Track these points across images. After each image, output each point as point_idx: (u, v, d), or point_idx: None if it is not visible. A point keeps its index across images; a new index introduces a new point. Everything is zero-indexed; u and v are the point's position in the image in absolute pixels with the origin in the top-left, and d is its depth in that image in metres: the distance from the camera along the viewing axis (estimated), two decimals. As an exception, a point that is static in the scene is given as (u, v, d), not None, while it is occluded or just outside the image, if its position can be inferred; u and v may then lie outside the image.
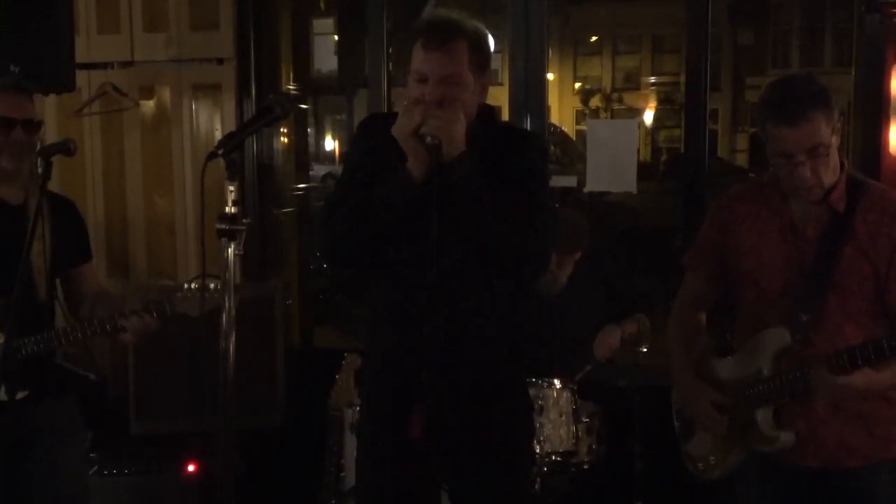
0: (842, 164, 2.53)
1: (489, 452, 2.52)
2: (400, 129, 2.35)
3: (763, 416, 2.57)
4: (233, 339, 2.28)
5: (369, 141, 2.54)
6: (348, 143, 2.67)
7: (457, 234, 2.38)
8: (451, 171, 2.32)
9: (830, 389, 2.41)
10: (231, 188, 2.22)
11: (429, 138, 2.31)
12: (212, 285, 2.59)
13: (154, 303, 2.86)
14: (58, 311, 3.11)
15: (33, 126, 2.92)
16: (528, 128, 4.53)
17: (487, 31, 2.49)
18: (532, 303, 3.88)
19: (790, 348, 2.53)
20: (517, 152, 2.48)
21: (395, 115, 2.43)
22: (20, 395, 2.88)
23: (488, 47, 2.48)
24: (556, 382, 3.61)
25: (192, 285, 2.88)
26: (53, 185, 2.98)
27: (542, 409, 3.54)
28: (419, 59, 2.38)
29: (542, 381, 3.59)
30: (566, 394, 3.60)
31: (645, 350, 3.89)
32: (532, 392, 3.54)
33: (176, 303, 2.85)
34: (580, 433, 3.60)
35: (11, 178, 2.93)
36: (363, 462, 2.65)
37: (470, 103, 2.43)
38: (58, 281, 3.08)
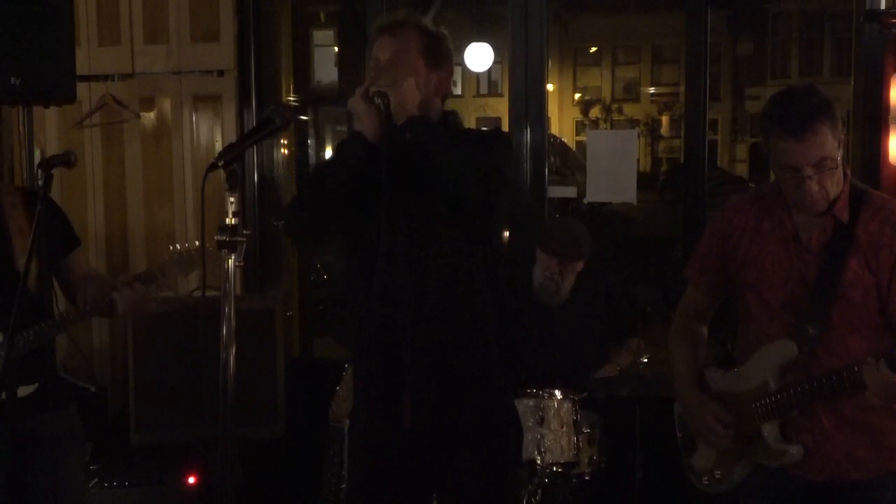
0: (845, 175, 2.52)
1: (475, 451, 2.55)
2: (352, 99, 2.44)
3: (770, 430, 2.56)
4: (233, 350, 2.28)
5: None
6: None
7: (415, 194, 2.44)
8: (402, 131, 2.38)
9: (889, 389, 2.32)
10: (231, 199, 2.22)
11: (377, 99, 2.39)
12: (196, 243, 2.61)
13: (145, 272, 2.92)
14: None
15: None
16: (529, 139, 4.55)
17: (447, 35, 2.60)
18: (535, 312, 3.90)
19: (797, 361, 2.51)
20: (475, 142, 2.54)
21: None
22: (23, 393, 2.88)
23: (445, 45, 2.58)
24: (557, 393, 3.60)
25: (177, 246, 2.93)
26: (54, 196, 2.99)
27: (543, 419, 3.54)
28: (374, 47, 2.53)
29: (543, 392, 3.59)
30: (567, 404, 3.60)
31: (646, 360, 3.89)
32: (533, 403, 3.55)
33: (165, 266, 2.90)
34: (581, 444, 3.59)
35: None
36: (356, 459, 2.68)
37: (423, 91, 2.49)
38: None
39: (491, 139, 2.63)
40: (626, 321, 4.09)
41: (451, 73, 2.61)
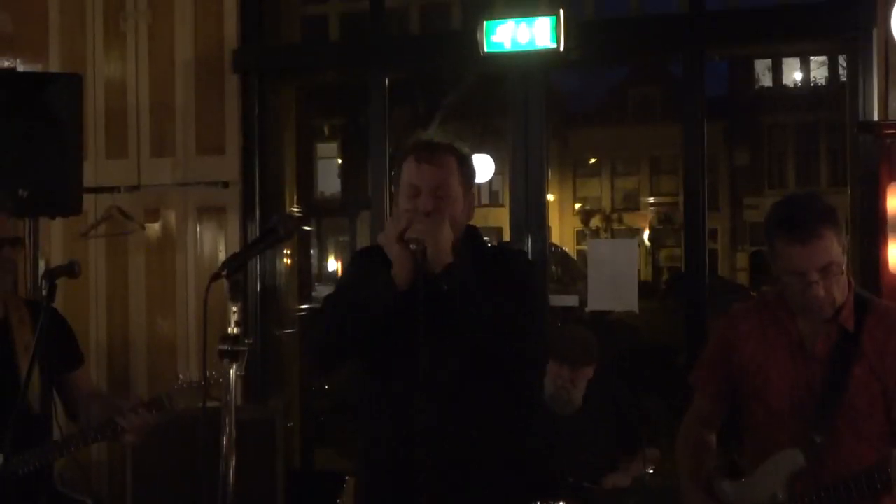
0: (849, 283, 2.53)
1: None
2: (385, 236, 2.38)
3: None
4: (233, 461, 2.24)
5: (361, 268, 2.57)
6: (348, 264, 2.71)
7: (447, 347, 2.37)
8: (438, 282, 2.33)
9: None
10: (234, 309, 2.22)
11: (413, 244, 2.33)
12: (212, 373, 2.58)
13: (152, 398, 2.87)
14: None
15: (18, 243, 2.98)
16: (530, 248, 4.58)
17: (471, 155, 2.57)
18: (546, 421, 3.85)
19: (804, 471, 2.48)
20: (504, 269, 2.49)
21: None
22: None
23: (473, 168, 2.56)
24: (562, 504, 3.53)
25: (189, 377, 2.88)
26: (57, 306, 2.99)
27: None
28: (411, 171, 2.45)
29: (550, 502, 3.51)
30: (572, 516, 3.51)
31: (651, 471, 3.82)
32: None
33: (174, 395, 2.84)
34: (587, 557, 3.50)
35: None
36: None
37: (459, 218, 2.47)
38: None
39: (523, 269, 2.58)
40: (636, 430, 4.02)
41: (475, 192, 2.58)
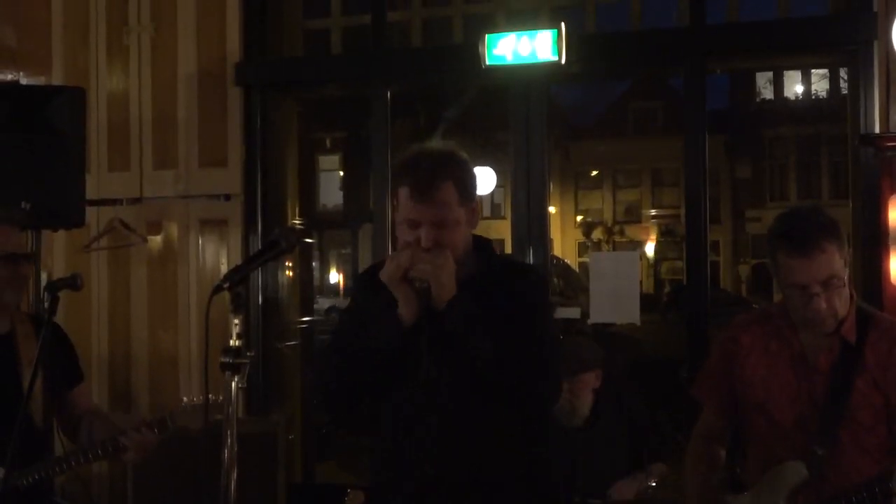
0: (851, 296, 2.53)
1: None
2: (388, 274, 2.35)
3: None
4: (234, 474, 2.24)
5: (364, 298, 2.53)
6: (350, 289, 2.69)
7: (453, 381, 2.35)
8: (442, 318, 2.31)
9: None
10: (235, 321, 2.22)
11: (417, 282, 2.32)
12: (211, 397, 2.57)
13: (154, 417, 2.86)
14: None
15: (31, 259, 2.99)
16: (531, 260, 4.58)
17: (468, 158, 2.48)
18: (554, 436, 3.82)
19: (807, 484, 2.47)
20: (516, 288, 2.45)
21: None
22: None
23: (472, 174, 2.47)
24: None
25: (193, 399, 2.87)
26: (58, 319, 3.00)
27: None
28: (408, 208, 2.38)
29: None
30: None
31: (654, 484, 3.80)
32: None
33: (177, 416, 2.84)
34: (592, 571, 3.49)
35: (5, 310, 2.97)
36: None
37: (464, 239, 2.44)
38: None
39: (534, 291, 2.50)
40: (648, 446, 3.98)
41: (478, 199, 2.52)
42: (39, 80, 5.12)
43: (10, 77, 5.15)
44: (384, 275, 2.37)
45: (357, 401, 2.47)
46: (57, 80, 5.11)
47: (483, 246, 2.55)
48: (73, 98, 4.15)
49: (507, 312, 2.36)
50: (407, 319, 2.34)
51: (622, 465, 3.92)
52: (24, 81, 5.11)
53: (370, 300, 2.47)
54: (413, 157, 2.42)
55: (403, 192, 2.39)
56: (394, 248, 4.77)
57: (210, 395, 2.56)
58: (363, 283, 2.60)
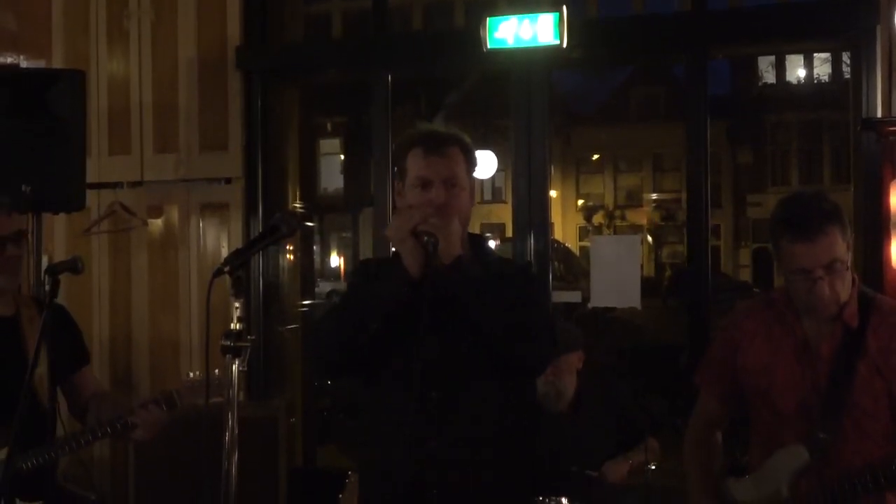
0: (853, 280, 2.53)
1: None
2: (396, 230, 2.36)
3: None
4: (235, 458, 2.25)
5: (367, 274, 2.55)
6: (350, 274, 2.69)
7: (456, 341, 2.37)
8: (446, 279, 2.32)
9: None
10: (236, 305, 2.22)
11: (426, 237, 2.32)
12: (216, 371, 2.57)
13: (162, 394, 2.87)
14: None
15: (21, 238, 2.97)
16: (532, 244, 4.58)
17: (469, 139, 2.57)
18: (541, 420, 3.84)
19: (809, 467, 2.48)
20: (508, 285, 2.45)
21: (389, 259, 2.46)
22: None
23: (475, 157, 2.55)
24: (564, 501, 3.53)
25: (197, 374, 2.89)
26: (59, 302, 3.00)
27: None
28: (420, 164, 2.43)
29: (550, 500, 3.52)
30: (574, 513, 3.52)
31: (653, 468, 3.82)
32: (540, 511, 3.46)
33: (184, 392, 2.86)
34: (589, 555, 3.50)
35: (5, 293, 2.96)
36: None
37: (466, 208, 2.47)
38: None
39: (527, 279, 2.57)
40: (637, 427, 4.01)
41: (475, 182, 2.57)
42: (39, 64, 5.11)
43: (10, 60, 5.14)
44: (391, 230, 2.38)
45: (357, 358, 2.44)
46: (57, 63, 5.10)
47: (479, 242, 2.59)
48: (74, 82, 4.13)
49: (504, 295, 2.37)
50: (412, 272, 2.34)
51: (608, 448, 3.94)
52: (24, 65, 5.11)
53: (373, 274, 2.48)
54: (420, 128, 2.51)
55: (414, 154, 2.44)
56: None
57: (216, 371, 2.56)
58: (364, 271, 2.62)
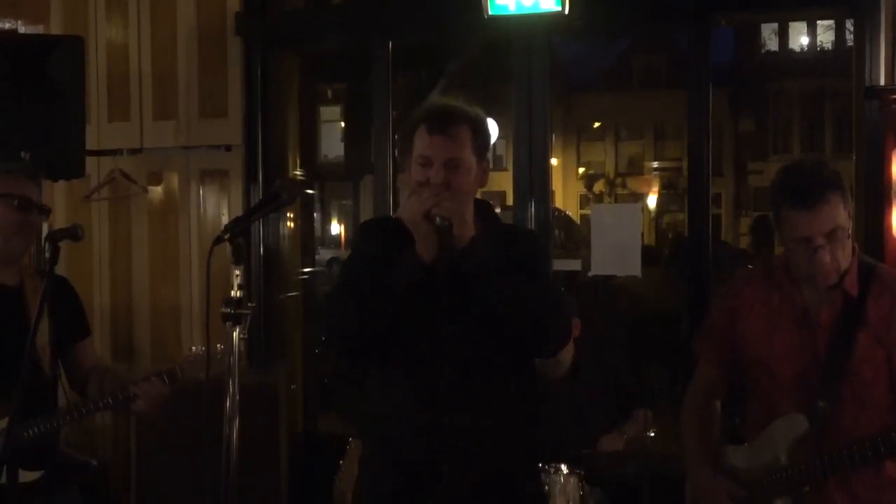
0: (854, 249, 2.53)
1: None
2: (409, 212, 2.35)
3: None
4: (236, 425, 2.26)
5: (376, 243, 2.51)
6: (353, 240, 2.64)
7: (470, 323, 2.36)
8: (461, 260, 2.31)
9: None
10: (236, 272, 2.22)
11: (438, 219, 2.31)
12: (218, 346, 2.57)
13: (164, 369, 2.88)
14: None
15: (45, 212, 2.98)
16: (533, 212, 4.57)
17: (486, 118, 2.51)
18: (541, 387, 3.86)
19: (808, 436, 2.49)
20: (516, 252, 2.45)
21: (392, 219, 2.43)
22: (27, 479, 2.85)
23: (488, 132, 2.51)
24: (563, 468, 3.55)
25: (199, 348, 2.90)
26: (59, 271, 3.00)
27: (548, 495, 3.48)
28: (423, 143, 2.41)
29: (549, 467, 3.54)
30: (573, 480, 3.54)
31: (652, 434, 3.84)
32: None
33: (186, 366, 2.87)
34: (587, 521, 3.53)
35: (13, 260, 2.96)
36: None
37: (472, 188, 2.45)
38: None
39: (535, 254, 2.55)
40: (632, 396, 4.04)
41: (489, 157, 2.54)
42: (38, 30, 5.07)
43: (7, 26, 5.10)
44: (404, 212, 2.37)
45: (372, 343, 2.42)
46: (56, 29, 5.07)
47: (485, 210, 2.56)
48: (72, 47, 4.11)
49: (512, 267, 2.37)
50: (426, 257, 2.33)
51: (604, 416, 3.96)
52: (22, 31, 5.07)
53: (379, 247, 2.45)
54: (431, 103, 2.49)
55: (420, 132, 2.42)
56: (395, 201, 4.77)
57: (218, 345, 2.56)
58: (370, 231, 2.59)
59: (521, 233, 2.66)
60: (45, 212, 3.01)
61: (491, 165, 2.59)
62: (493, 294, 2.32)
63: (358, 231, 2.65)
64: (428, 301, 2.31)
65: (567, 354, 3.89)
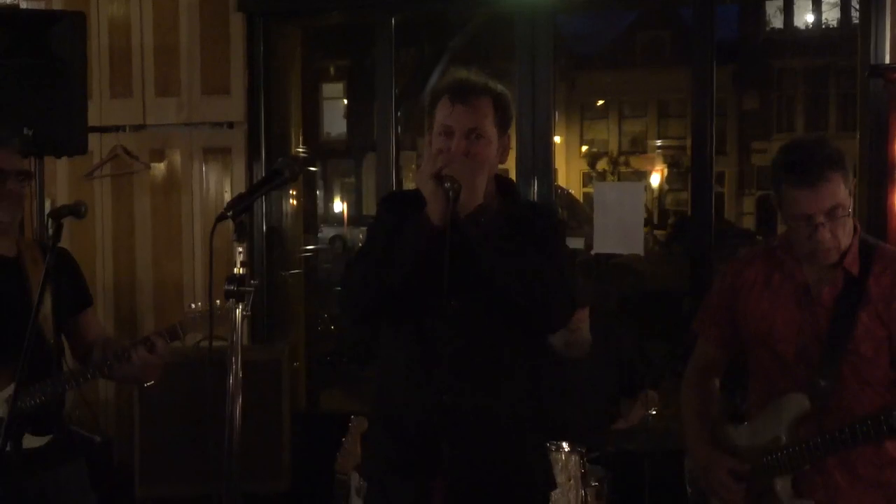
0: (855, 228, 2.52)
1: None
2: (421, 173, 2.35)
3: (782, 485, 2.52)
4: (239, 402, 2.27)
5: (392, 214, 2.51)
6: (374, 217, 2.64)
7: (476, 300, 2.36)
8: (468, 224, 2.31)
9: None
10: (239, 249, 2.22)
11: (448, 182, 2.31)
12: (217, 302, 2.57)
13: (167, 327, 2.91)
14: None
15: (25, 177, 2.96)
16: (536, 190, 4.57)
17: (509, 94, 2.51)
18: (552, 364, 3.86)
19: (809, 415, 2.49)
20: (536, 229, 2.44)
21: (415, 192, 2.42)
22: (34, 445, 2.86)
23: (511, 109, 2.50)
24: (565, 446, 3.57)
25: (199, 305, 2.91)
26: (62, 246, 3.00)
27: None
28: (445, 112, 2.41)
29: (551, 445, 3.56)
30: (574, 457, 3.56)
31: (654, 413, 3.85)
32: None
33: (186, 324, 2.90)
34: (589, 498, 3.55)
35: (5, 231, 2.96)
36: None
37: (492, 161, 2.44)
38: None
39: (550, 228, 2.51)
40: (638, 375, 4.04)
41: (511, 133, 2.53)
42: (39, 5, 5.05)
43: (9, 1, 5.07)
44: (418, 174, 2.36)
45: (380, 305, 2.43)
46: (57, 4, 5.05)
47: (506, 185, 2.55)
48: (74, 23, 4.09)
49: (525, 241, 2.36)
50: (434, 219, 2.33)
51: (613, 394, 3.97)
52: (23, 6, 5.04)
53: (397, 217, 2.45)
54: (454, 75, 2.47)
55: (443, 102, 2.42)
56: (397, 178, 4.77)
57: (217, 301, 2.56)
58: (390, 202, 2.60)
59: (540, 210, 2.65)
60: (26, 176, 2.98)
61: (512, 144, 2.58)
62: (492, 265, 2.32)
63: (379, 203, 2.65)
64: (436, 271, 2.30)
65: (586, 335, 3.88)
